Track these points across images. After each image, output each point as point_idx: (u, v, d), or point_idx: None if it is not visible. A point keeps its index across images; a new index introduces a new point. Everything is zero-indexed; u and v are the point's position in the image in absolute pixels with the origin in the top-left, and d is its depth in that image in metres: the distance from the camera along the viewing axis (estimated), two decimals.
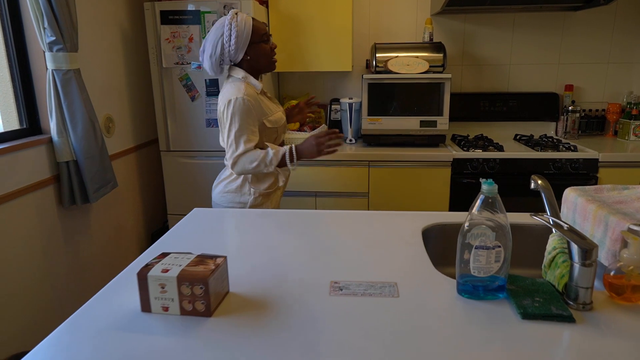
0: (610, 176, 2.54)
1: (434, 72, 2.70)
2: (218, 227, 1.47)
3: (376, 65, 2.70)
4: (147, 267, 0.95)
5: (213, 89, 2.58)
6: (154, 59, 2.59)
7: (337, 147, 1.81)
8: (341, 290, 1.04)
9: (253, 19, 1.77)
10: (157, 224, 3.02)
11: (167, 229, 2.83)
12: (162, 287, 0.93)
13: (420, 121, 2.70)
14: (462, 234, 0.99)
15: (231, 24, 1.71)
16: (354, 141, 2.90)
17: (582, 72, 3.04)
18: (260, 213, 1.60)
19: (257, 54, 1.78)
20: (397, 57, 2.70)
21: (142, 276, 0.93)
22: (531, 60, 3.05)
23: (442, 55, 2.71)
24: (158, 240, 1.36)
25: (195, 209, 1.63)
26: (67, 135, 2.05)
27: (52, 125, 2.02)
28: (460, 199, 2.64)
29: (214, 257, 1.00)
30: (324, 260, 1.20)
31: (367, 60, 3.05)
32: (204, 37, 2.51)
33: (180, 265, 0.95)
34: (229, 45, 1.72)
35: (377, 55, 2.71)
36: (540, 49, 3.02)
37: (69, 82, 1.99)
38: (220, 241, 1.35)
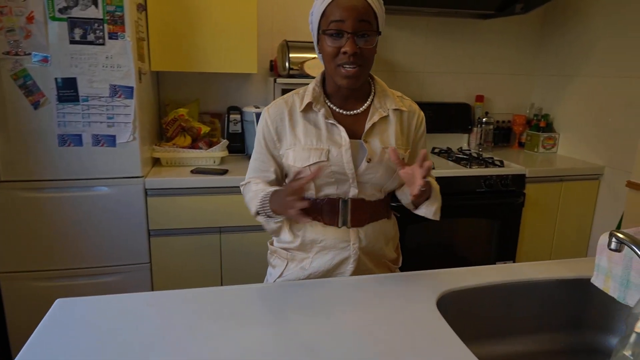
0: (537, 192, 2.44)
1: None
2: (99, 342, 0.83)
3: (290, 68, 2.21)
4: None
5: (69, 92, 1.82)
6: None
7: (300, 206, 0.99)
8: None
9: None
10: None
11: None
12: None
13: None
14: (621, 342, 0.57)
15: None
16: None
17: (489, 82, 2.95)
18: (156, 298, 0.99)
19: (322, 51, 1.11)
20: (315, 58, 2.24)
21: None
22: (444, 68, 2.86)
23: None
24: None
25: (58, 300, 0.95)
26: None
27: None
28: None
29: None
30: None
31: (271, 60, 2.53)
32: (51, 17, 1.75)
33: None
34: (310, 21, 1.17)
35: (290, 55, 2.22)
36: (452, 57, 2.85)
37: None
38: None
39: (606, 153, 2.51)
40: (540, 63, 2.97)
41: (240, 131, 2.46)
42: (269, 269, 1.31)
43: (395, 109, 1.18)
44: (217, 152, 2.19)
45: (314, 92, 1.15)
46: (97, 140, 1.87)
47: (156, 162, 2.23)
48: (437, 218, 1.15)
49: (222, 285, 2.12)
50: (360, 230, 1.17)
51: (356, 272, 1.18)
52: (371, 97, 1.19)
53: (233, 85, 2.58)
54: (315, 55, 2.28)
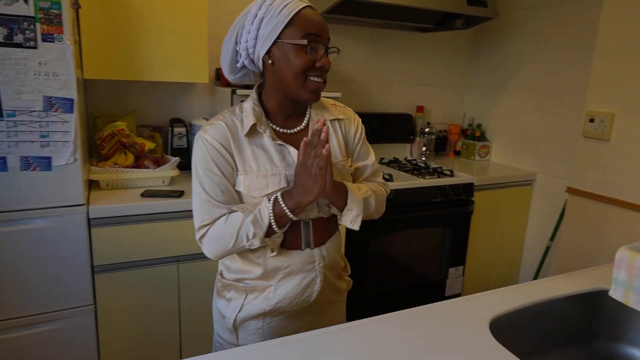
0: (484, 199, 2.56)
1: None
2: None
3: None
4: None
5: None
6: None
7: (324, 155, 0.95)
8: None
9: (309, 7, 1.04)
10: None
11: None
12: None
13: None
14: None
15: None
16: None
17: (427, 93, 3.05)
18: None
19: (283, 61, 1.01)
20: None
21: None
22: (387, 79, 2.89)
23: None
24: None
25: None
26: None
27: None
28: (354, 242, 2.23)
29: None
30: None
31: (217, 69, 2.34)
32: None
33: None
34: (250, 26, 1.00)
35: None
36: (394, 68, 2.90)
37: None
38: None
39: (535, 160, 2.73)
40: (471, 76, 3.14)
41: (186, 146, 2.23)
42: (222, 304, 1.16)
43: (333, 119, 1.16)
44: (168, 172, 1.95)
45: (254, 112, 1.06)
46: (27, 163, 1.55)
47: (92, 185, 1.92)
48: (356, 227, 1.09)
49: (180, 324, 1.88)
50: (322, 248, 1.13)
51: (321, 290, 1.14)
52: (309, 111, 1.15)
53: (173, 96, 2.33)
54: None
